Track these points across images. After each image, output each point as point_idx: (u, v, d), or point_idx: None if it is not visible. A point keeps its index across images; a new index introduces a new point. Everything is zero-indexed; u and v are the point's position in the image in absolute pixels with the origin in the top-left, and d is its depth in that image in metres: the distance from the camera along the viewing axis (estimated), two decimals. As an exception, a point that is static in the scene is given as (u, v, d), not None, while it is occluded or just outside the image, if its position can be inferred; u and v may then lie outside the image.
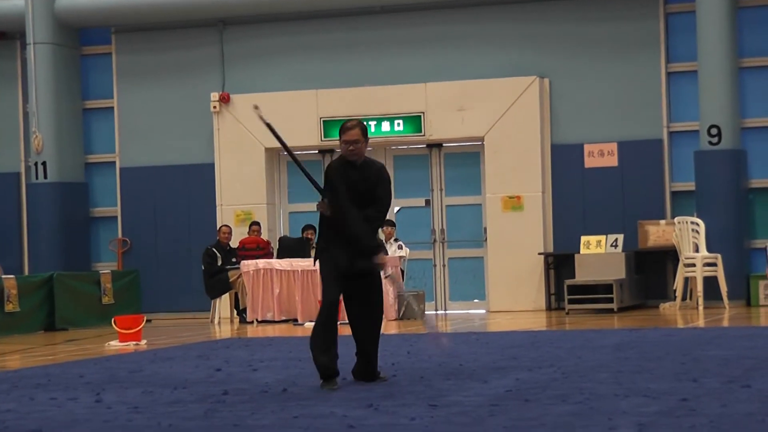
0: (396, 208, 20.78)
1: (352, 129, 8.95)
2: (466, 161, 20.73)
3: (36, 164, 21.32)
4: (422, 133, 20.27)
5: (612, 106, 19.90)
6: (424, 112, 20.24)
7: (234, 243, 20.13)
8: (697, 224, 18.70)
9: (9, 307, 17.89)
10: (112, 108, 21.99)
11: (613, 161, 19.88)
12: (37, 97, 21.24)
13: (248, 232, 20.22)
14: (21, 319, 18.17)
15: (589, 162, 19.98)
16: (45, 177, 21.29)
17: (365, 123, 9.59)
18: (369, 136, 9.22)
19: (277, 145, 20.78)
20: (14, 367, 12.43)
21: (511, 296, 19.87)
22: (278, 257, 19.40)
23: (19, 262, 22.09)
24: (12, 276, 18.66)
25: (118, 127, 21.95)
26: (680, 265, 18.62)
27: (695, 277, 18.46)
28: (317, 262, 9.10)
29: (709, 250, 18.59)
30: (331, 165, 9.08)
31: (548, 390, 8.31)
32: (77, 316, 19.16)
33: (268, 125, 9.06)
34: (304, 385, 9.19)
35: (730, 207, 18.95)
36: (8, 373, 11.36)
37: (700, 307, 18.22)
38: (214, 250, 19.86)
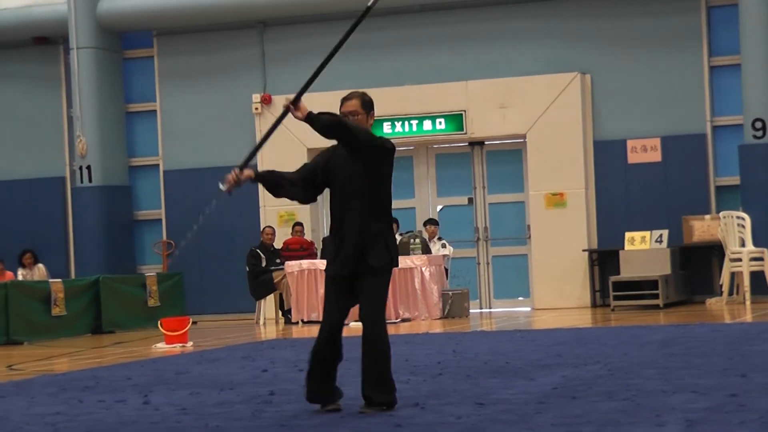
0: (439, 207, 20.76)
1: (350, 99, 7.86)
2: (508, 159, 20.68)
3: (80, 168, 21.46)
4: (464, 131, 20.24)
5: (654, 101, 19.80)
6: (465, 110, 20.21)
7: (278, 244, 20.17)
8: (743, 218, 18.58)
9: (56, 311, 18.02)
10: (155, 111, 22.11)
11: (656, 156, 19.78)
12: (81, 102, 21.38)
13: (291, 233, 20.26)
14: (68, 322, 18.29)
15: (632, 157, 19.88)
16: (90, 181, 21.42)
17: (368, 95, 8.00)
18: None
19: (319, 145, 20.90)
20: (62, 370, 12.52)
21: (555, 293, 19.81)
22: (322, 257, 19.41)
23: (66, 265, 22.24)
24: (59, 279, 18.79)
25: (160, 130, 22.06)
26: (726, 259, 18.50)
27: (742, 272, 18.34)
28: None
29: (755, 244, 18.47)
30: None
31: (595, 387, 8.28)
32: (123, 319, 19.27)
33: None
34: (351, 384, 9.20)
35: (776, 201, 18.81)
36: (57, 376, 11.44)
37: (747, 302, 18.10)
38: (258, 251, 19.92)
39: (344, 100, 7.97)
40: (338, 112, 7.89)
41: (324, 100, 20.67)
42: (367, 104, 7.88)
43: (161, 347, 15.01)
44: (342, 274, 7.70)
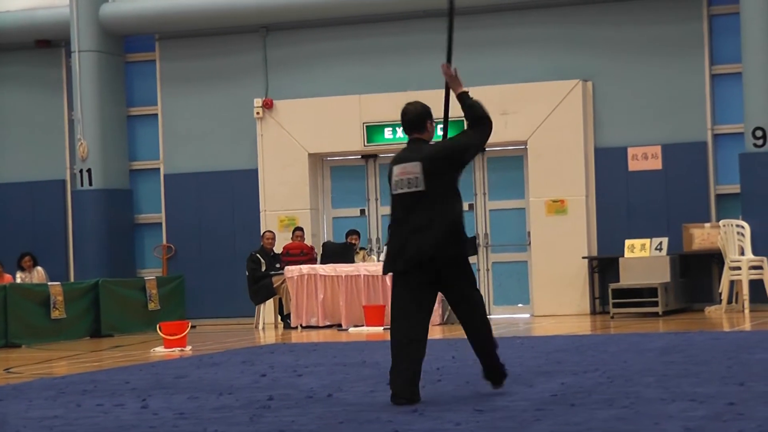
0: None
1: (407, 112, 8.61)
2: (509, 165, 20.69)
3: (81, 171, 21.46)
4: (465, 138, 20.18)
5: (656, 108, 19.81)
6: (466, 117, 20.16)
7: (278, 248, 20.18)
8: (743, 227, 18.58)
9: (55, 314, 18.03)
10: (157, 115, 22.11)
11: (657, 164, 19.79)
12: (82, 105, 21.39)
13: (292, 238, 20.25)
14: (67, 326, 18.30)
15: (633, 165, 19.89)
16: (90, 184, 21.42)
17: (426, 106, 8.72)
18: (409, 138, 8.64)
19: (320, 150, 20.92)
20: (61, 374, 12.52)
21: (555, 300, 19.81)
22: (322, 262, 19.42)
23: (65, 268, 22.22)
24: (58, 283, 18.80)
25: (162, 134, 22.06)
26: (726, 268, 18.50)
27: (741, 280, 18.34)
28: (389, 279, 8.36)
29: (754, 252, 18.47)
30: None
31: (594, 394, 8.28)
32: (123, 323, 19.27)
33: None
34: (349, 390, 9.20)
35: (776, 209, 18.82)
36: (55, 380, 11.44)
37: (746, 310, 18.10)
38: (258, 255, 19.92)
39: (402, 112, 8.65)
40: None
41: (326, 105, 20.79)
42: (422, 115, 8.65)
43: (160, 351, 15.01)
44: None
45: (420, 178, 8.12)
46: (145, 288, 19.92)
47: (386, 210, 21.16)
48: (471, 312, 8.30)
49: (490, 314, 20.44)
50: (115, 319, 19.13)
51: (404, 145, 8.58)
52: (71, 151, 22.16)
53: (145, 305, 19.83)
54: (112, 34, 21.78)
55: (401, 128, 8.60)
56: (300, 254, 19.88)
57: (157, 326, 15.62)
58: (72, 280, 21.55)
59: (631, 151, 19.89)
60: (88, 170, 21.41)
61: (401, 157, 8.32)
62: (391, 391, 8.05)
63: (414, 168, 8.15)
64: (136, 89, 22.28)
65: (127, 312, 19.46)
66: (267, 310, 20.03)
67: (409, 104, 8.54)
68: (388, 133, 20.35)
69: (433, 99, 21.81)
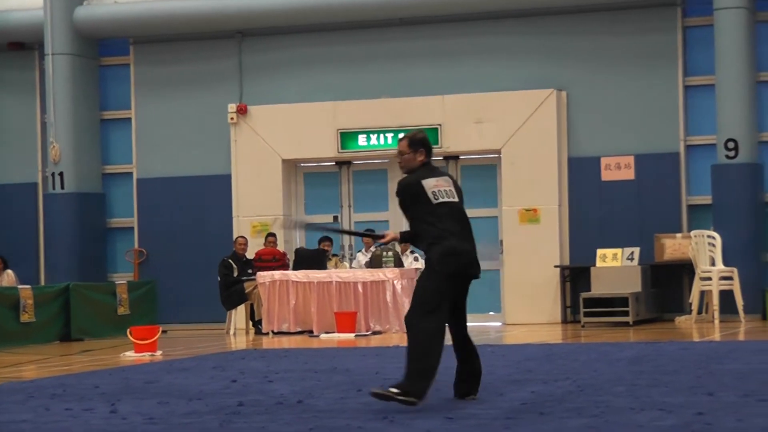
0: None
1: (402, 139, 8.95)
2: (482, 173, 20.72)
3: (53, 174, 21.38)
4: (439, 145, 20.25)
5: (629, 119, 19.88)
6: (441, 124, 20.24)
7: (250, 254, 20.14)
8: (714, 238, 18.66)
9: (25, 317, 17.93)
10: (130, 119, 22.06)
11: (630, 174, 19.86)
12: (55, 108, 21.31)
13: (264, 244, 20.22)
14: (37, 330, 18.19)
15: (606, 175, 19.95)
16: (62, 187, 21.34)
17: (421, 134, 8.98)
18: (396, 147, 9.08)
19: (294, 156, 20.91)
20: (30, 377, 12.46)
21: (527, 309, 19.84)
22: (294, 269, 19.40)
23: (36, 272, 22.14)
24: (28, 286, 18.70)
25: (135, 138, 22.01)
26: (696, 278, 18.57)
27: (711, 291, 18.42)
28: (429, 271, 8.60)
29: (725, 263, 18.55)
30: None
31: (564, 403, 8.30)
32: (93, 327, 19.18)
33: (308, 225, 9.17)
34: (320, 396, 9.19)
35: (747, 221, 18.92)
36: (24, 384, 11.38)
37: (716, 321, 18.16)
38: (230, 261, 19.88)
39: (399, 139, 9.00)
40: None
41: (300, 111, 20.77)
42: (415, 143, 8.81)
43: (130, 356, 14.95)
44: None
45: (453, 191, 8.78)
46: (116, 292, 19.85)
47: (359, 217, 21.27)
48: (463, 319, 8.76)
49: (461, 322, 20.51)
50: (86, 323, 19.04)
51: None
52: (44, 154, 22.08)
53: (115, 310, 19.76)
54: (87, 37, 21.72)
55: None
56: (272, 260, 19.85)
57: (128, 331, 15.57)
58: (43, 283, 21.47)
59: (604, 160, 19.96)
60: (60, 173, 21.33)
61: (426, 175, 8.76)
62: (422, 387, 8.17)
63: (447, 183, 8.81)
64: (110, 93, 22.22)
65: (98, 316, 19.38)
66: (238, 315, 19.99)
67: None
68: (362, 140, 20.35)
69: (407, 106, 22.01)
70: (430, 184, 8.69)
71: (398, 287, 18.37)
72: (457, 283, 8.61)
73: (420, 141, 8.84)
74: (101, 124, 22.17)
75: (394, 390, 8.13)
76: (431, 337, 8.31)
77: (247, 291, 19.65)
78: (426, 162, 8.84)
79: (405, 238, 8.97)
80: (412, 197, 8.70)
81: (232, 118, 21.09)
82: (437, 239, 8.57)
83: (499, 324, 20.17)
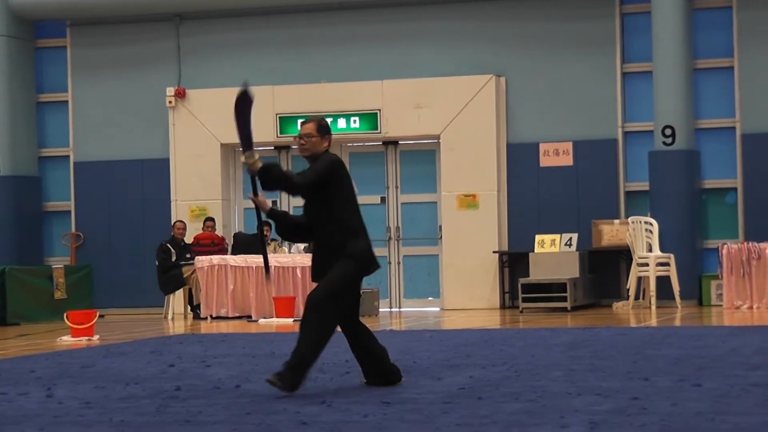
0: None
1: (307, 123, 8.54)
2: (422, 159, 20.75)
3: (-11, 157, 21.16)
4: (378, 131, 20.27)
5: (567, 105, 19.98)
6: (380, 110, 20.25)
7: (188, 239, 20.05)
8: (651, 224, 18.82)
9: (-40, 301, 17.75)
10: (67, 102, 21.85)
11: (568, 160, 19.96)
12: (-9, 90, 21.08)
13: (203, 228, 20.14)
14: (-28, 314, 18.02)
15: (545, 161, 20.05)
16: (-2, 170, 21.13)
17: (326, 120, 8.71)
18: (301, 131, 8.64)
19: (233, 140, 20.83)
20: (-35, 362, 12.33)
21: (465, 294, 19.91)
22: (233, 253, 19.34)
23: (-29, 256, 21.91)
24: (-37, 270, 18.51)
25: (72, 121, 21.81)
26: (633, 264, 18.72)
27: (648, 277, 18.58)
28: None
29: (662, 249, 18.71)
30: None
31: (501, 388, 8.33)
32: (29, 311, 19.02)
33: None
34: (258, 381, 9.17)
35: (684, 207, 19.08)
36: (-42, 368, 11.26)
37: (653, 307, 18.33)
38: (169, 245, 19.78)
39: (302, 123, 8.65)
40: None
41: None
42: (323, 128, 8.49)
43: (67, 340, 14.85)
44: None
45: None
46: (53, 276, 19.69)
47: (298, 201, 21.20)
48: (358, 305, 8.67)
49: (400, 308, 20.58)
50: (22, 308, 18.88)
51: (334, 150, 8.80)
52: (-21, 137, 21.82)
53: (52, 294, 19.60)
54: (23, 19, 21.49)
55: (326, 132, 8.60)
56: (210, 245, 19.78)
57: (65, 315, 15.45)
58: (-22, 267, 21.24)
59: (542, 146, 20.05)
60: (-4, 156, 21.11)
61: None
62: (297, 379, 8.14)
63: None
64: (46, 75, 22.00)
65: (34, 300, 19.22)
66: (177, 300, 19.90)
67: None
68: (300, 124, 20.28)
69: (346, 90, 21.99)
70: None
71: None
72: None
73: (327, 127, 8.53)
74: (37, 107, 21.96)
75: (275, 379, 8.13)
76: (332, 327, 8.28)
77: (185, 276, 19.57)
78: (327, 150, 8.48)
79: (281, 219, 8.60)
80: (341, 178, 8.36)
81: (170, 102, 20.96)
82: (359, 233, 8.35)
83: (437, 309, 20.22)
